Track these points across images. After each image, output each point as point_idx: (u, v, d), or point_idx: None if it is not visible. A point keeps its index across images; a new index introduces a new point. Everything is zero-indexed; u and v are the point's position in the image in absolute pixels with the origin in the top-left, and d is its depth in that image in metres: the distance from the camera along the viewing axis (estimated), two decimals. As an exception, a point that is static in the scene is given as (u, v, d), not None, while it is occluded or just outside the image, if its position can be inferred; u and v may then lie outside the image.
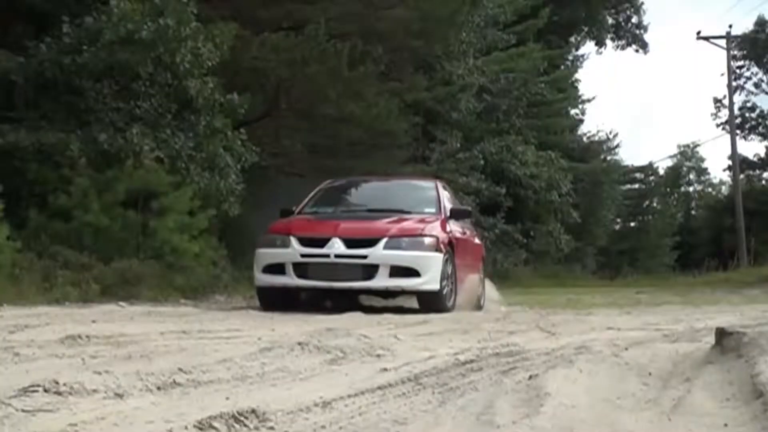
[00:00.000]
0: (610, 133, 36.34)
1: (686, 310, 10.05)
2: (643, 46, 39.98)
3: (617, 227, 37.78)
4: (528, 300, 10.40)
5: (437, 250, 8.70)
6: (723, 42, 32.07)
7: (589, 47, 44.28)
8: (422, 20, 15.13)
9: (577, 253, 28.22)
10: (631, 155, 53.32)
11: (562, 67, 32.08)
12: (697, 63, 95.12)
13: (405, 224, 9.10)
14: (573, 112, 33.42)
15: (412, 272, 8.57)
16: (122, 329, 4.96)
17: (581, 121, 34.68)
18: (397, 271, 8.54)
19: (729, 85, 32.92)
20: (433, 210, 9.76)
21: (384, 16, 14.58)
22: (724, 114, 36.93)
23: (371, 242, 8.60)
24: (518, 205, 23.84)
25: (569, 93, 30.90)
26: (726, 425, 2.82)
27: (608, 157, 35.04)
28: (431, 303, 8.65)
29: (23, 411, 2.58)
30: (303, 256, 8.63)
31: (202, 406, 2.82)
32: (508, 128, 24.28)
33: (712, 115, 42.95)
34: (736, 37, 33.41)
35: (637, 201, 38.44)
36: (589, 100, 35.02)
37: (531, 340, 5.57)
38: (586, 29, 36.61)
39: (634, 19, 39.64)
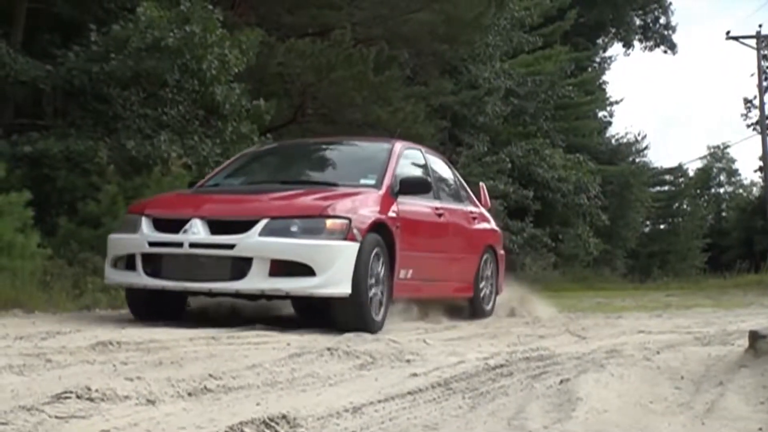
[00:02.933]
0: (639, 134, 36.29)
1: (718, 312, 9.96)
2: (672, 46, 39.78)
3: (646, 230, 37.49)
4: (557, 304, 10.26)
5: (347, 237, 6.11)
6: (753, 42, 31.78)
7: (616, 49, 44.23)
8: (448, 23, 15.12)
9: (606, 256, 28.06)
10: (660, 157, 52.87)
11: (590, 69, 31.96)
12: (727, 63, 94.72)
13: (302, 200, 6.53)
14: (601, 114, 33.30)
15: (302, 269, 6.03)
16: (152, 335, 4.98)
17: (609, 123, 34.58)
18: (280, 268, 6.05)
19: (759, 85, 32.57)
20: (371, 181, 7.09)
21: (409, 19, 14.59)
22: (755, 114, 36.60)
23: (244, 225, 6.14)
24: (546, 209, 23.74)
25: (597, 95, 30.77)
26: (760, 429, 2.79)
27: (637, 159, 34.88)
28: (343, 315, 6.18)
29: (57, 417, 2.59)
30: (152, 244, 6.33)
31: (233, 412, 2.82)
32: (535, 131, 24.20)
33: (742, 115, 42.74)
34: (766, 36, 33.12)
35: (666, 203, 38.14)
36: (617, 102, 34.95)
37: (561, 344, 5.55)
38: (613, 31, 36.45)
39: (662, 20, 39.43)
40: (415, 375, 3.81)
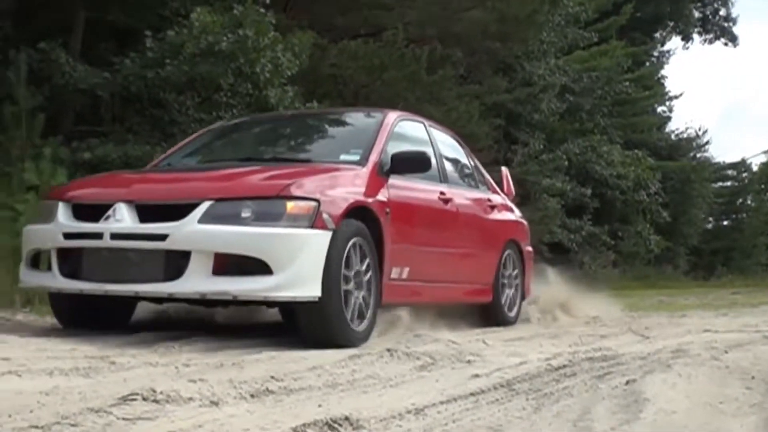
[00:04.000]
0: (700, 129, 35.71)
1: (785, 310, 9.77)
2: (733, 39, 39.12)
3: (709, 226, 36.89)
4: (618, 303, 10.11)
5: (315, 224, 4.88)
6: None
7: (675, 42, 43.62)
8: (501, 21, 15.04)
9: (667, 253, 27.70)
10: (722, 152, 52.08)
11: (647, 63, 31.62)
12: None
13: (257, 177, 5.30)
14: (660, 109, 32.92)
15: (255, 266, 4.79)
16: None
17: (668, 118, 34.14)
18: (227, 264, 4.82)
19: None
20: (354, 157, 5.88)
21: (462, 18, 14.54)
22: (819, 106, 35.91)
23: (180, 210, 4.89)
24: (605, 206, 23.52)
25: (655, 90, 30.42)
26: (836, 429, 2.71)
27: (698, 155, 34.38)
28: (310, 325, 4.98)
29: (123, 419, 2.61)
30: (68, 236, 5.12)
31: (296, 414, 2.82)
32: (592, 128, 23.98)
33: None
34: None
35: (729, 199, 37.51)
36: (676, 97, 34.57)
37: (624, 344, 5.47)
38: (671, 24, 35.98)
39: (722, 12, 38.83)
40: (476, 376, 3.77)
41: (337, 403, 3.07)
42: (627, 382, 3.53)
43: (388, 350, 4.28)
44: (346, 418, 2.67)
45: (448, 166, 7.13)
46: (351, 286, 5.14)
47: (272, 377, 3.40)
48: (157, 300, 5.46)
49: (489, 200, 7.62)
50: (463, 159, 7.72)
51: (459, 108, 14.09)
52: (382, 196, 5.69)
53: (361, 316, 5.23)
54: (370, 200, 5.52)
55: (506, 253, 7.63)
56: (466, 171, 7.66)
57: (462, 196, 7.05)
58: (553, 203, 19.78)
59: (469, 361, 4.28)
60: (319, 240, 4.90)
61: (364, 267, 5.30)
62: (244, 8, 10.14)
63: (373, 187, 5.65)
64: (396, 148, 6.11)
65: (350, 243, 5.14)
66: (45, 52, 9.62)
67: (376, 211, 5.53)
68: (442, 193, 6.62)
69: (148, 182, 5.59)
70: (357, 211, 5.31)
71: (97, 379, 3.32)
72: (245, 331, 5.94)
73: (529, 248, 8.34)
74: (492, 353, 4.70)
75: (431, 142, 6.95)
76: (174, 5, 10.70)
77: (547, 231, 18.82)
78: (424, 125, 7.13)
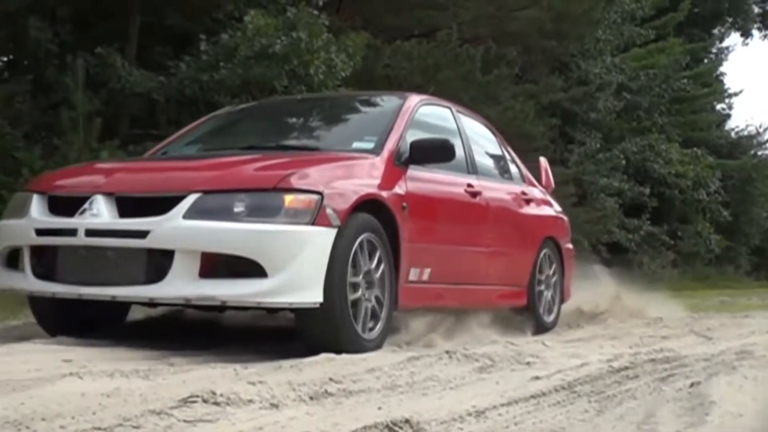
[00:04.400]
0: (761, 127, 35.02)
1: None
2: (794, 35, 38.35)
3: (772, 225, 36.21)
4: (679, 304, 9.96)
5: (316, 220, 4.40)
6: None
7: (734, 39, 42.93)
8: (556, 20, 14.92)
9: (728, 253, 27.21)
10: (784, 150, 50.88)
11: (706, 60, 31.12)
12: None
13: (252, 166, 4.81)
14: (719, 107, 32.35)
15: (248, 268, 4.30)
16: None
17: (728, 116, 33.51)
18: (216, 265, 4.33)
19: None
20: (368, 145, 5.35)
21: (517, 17, 14.45)
22: None
23: (164, 203, 4.39)
24: (664, 206, 23.20)
25: (714, 87, 29.91)
26: None
27: (759, 153, 33.71)
28: (313, 331, 4.54)
29: (184, 421, 2.62)
30: (41, 233, 4.61)
31: (356, 416, 2.80)
32: (650, 126, 23.68)
33: None
34: None
35: (793, 197, 36.75)
36: (735, 94, 33.85)
37: (686, 346, 5.39)
38: (730, 20, 35.36)
39: (784, 6, 38.08)
40: (537, 378, 3.73)
41: (397, 405, 3.05)
42: (691, 385, 3.47)
43: (447, 352, 4.25)
44: (407, 421, 2.64)
45: (478, 155, 6.49)
46: (360, 289, 4.66)
47: (331, 379, 3.39)
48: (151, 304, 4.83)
49: (524, 193, 7.02)
50: (496, 148, 7.11)
51: (514, 107, 14.00)
52: (398, 188, 5.15)
53: (370, 321, 4.74)
54: (383, 193, 4.97)
55: (543, 251, 7.03)
56: (499, 161, 7.06)
57: (493, 188, 6.44)
58: (610, 203, 19.58)
59: (528, 363, 4.24)
60: (322, 238, 4.42)
61: (373, 267, 4.79)
62: (298, 10, 10.18)
63: (388, 179, 5.11)
64: (417, 135, 5.59)
65: (358, 241, 4.63)
66: (102, 57, 9.75)
67: (391, 205, 4.98)
68: (469, 185, 6.03)
69: (131, 172, 5.01)
70: (368, 206, 4.79)
71: (157, 381, 3.33)
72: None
73: (570, 246, 7.76)
74: (552, 355, 4.65)
75: (458, 130, 6.36)
76: (228, 8, 10.78)
77: (604, 231, 18.63)
78: (451, 110, 6.50)
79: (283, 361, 4.04)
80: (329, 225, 4.45)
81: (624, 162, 21.46)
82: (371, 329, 4.74)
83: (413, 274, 5.24)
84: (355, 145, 5.42)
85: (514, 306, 6.65)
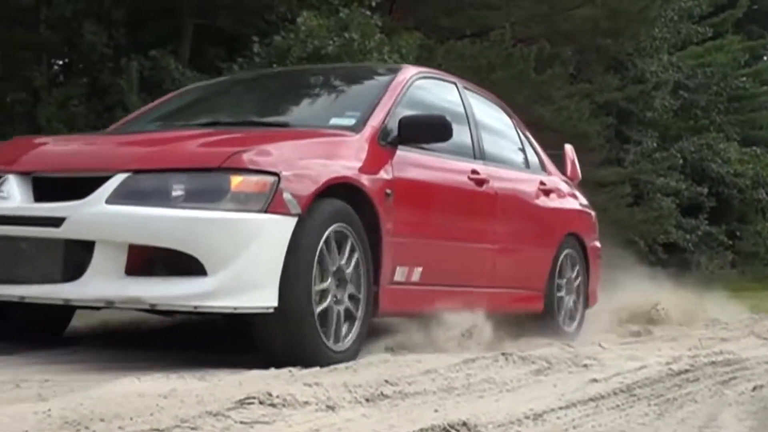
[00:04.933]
0: (821, 124, 34.40)
1: None
2: None
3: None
4: (738, 305, 9.78)
5: (270, 207, 3.72)
6: None
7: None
8: (611, 18, 14.78)
9: (790, 254, 26.76)
10: None
11: (765, 58, 30.62)
12: None
13: (195, 143, 4.10)
14: (779, 104, 31.85)
15: (184, 264, 3.63)
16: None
17: (789, 114, 33.01)
18: (146, 261, 3.67)
19: None
20: (347, 121, 4.62)
21: (571, 16, 14.34)
22: None
23: (85, 185, 3.70)
24: (722, 205, 22.86)
25: (774, 85, 29.45)
26: None
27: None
28: (269, 340, 3.87)
29: (241, 423, 2.62)
30: None
31: (412, 419, 2.78)
32: (707, 125, 23.35)
33: None
34: None
35: None
36: (796, 92, 33.30)
37: (747, 348, 5.31)
38: (790, 16, 34.81)
39: None
40: (595, 381, 3.69)
41: (454, 407, 3.03)
42: (754, 388, 3.42)
43: (503, 354, 4.22)
44: (464, 424, 2.62)
45: (488, 139, 5.75)
46: (329, 291, 3.98)
47: (386, 381, 3.37)
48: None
49: (543, 184, 6.27)
50: (511, 132, 6.38)
51: (569, 107, 13.89)
52: (383, 172, 4.43)
53: (342, 328, 4.08)
54: (362, 177, 4.25)
55: (565, 250, 6.30)
56: (514, 147, 6.32)
57: (504, 177, 5.70)
58: (667, 203, 19.33)
59: (586, 366, 4.19)
60: (277, 229, 3.71)
61: (347, 264, 4.11)
62: (350, 11, 10.19)
63: (369, 161, 4.38)
64: (409, 110, 4.88)
65: (327, 233, 3.94)
66: (155, 59, 9.85)
67: (371, 191, 4.26)
68: (474, 171, 5.29)
69: (56, 148, 4.25)
70: (341, 191, 4.10)
71: (212, 382, 3.33)
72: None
73: (597, 244, 6.99)
74: (609, 357, 4.61)
75: (465, 109, 5.62)
76: (280, 10, 10.83)
77: (661, 231, 18.41)
78: (457, 86, 5.74)
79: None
80: (287, 213, 3.75)
81: (681, 161, 21.19)
82: (343, 338, 4.06)
83: (400, 274, 4.56)
84: (333, 121, 4.69)
85: (528, 311, 5.95)
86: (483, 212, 5.42)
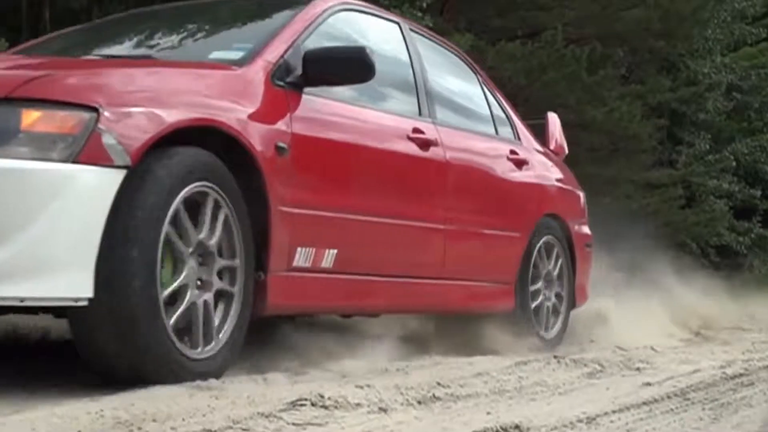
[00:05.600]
0: None
1: None
2: None
3: None
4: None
5: (82, 155, 2.72)
6: None
7: None
8: (663, 19, 14.66)
9: None
10: None
11: (819, 59, 30.19)
12: None
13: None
14: (833, 107, 31.38)
15: None
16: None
17: (843, 116, 32.52)
18: None
19: None
20: (235, 55, 3.68)
21: (623, 17, 14.23)
22: None
23: None
24: (775, 208, 22.59)
25: (830, 86, 29.00)
26: None
27: None
28: (94, 341, 2.89)
29: (294, 425, 2.62)
30: None
31: (465, 421, 2.78)
32: (761, 127, 23.02)
33: None
34: None
35: None
36: None
37: (804, 352, 5.24)
38: None
39: None
40: (648, 384, 3.67)
41: (506, 410, 3.02)
42: (811, 393, 3.37)
43: (555, 357, 4.21)
44: (517, 426, 2.62)
45: (441, 95, 4.84)
46: (184, 276, 3.02)
47: (438, 383, 3.36)
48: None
49: (514, 153, 5.28)
50: (474, 90, 5.40)
51: (621, 108, 13.78)
52: (278, 120, 3.48)
53: (209, 329, 3.14)
54: (238, 122, 3.26)
55: (543, 235, 5.36)
56: (478, 107, 5.37)
57: (460, 141, 4.76)
58: (720, 205, 19.10)
59: (638, 369, 4.18)
60: (93, 186, 2.74)
61: (212, 241, 3.15)
62: (401, 12, 10.20)
63: (257, 103, 3.42)
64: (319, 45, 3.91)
65: (177, 198, 2.96)
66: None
67: (251, 142, 3.27)
68: (417, 131, 4.34)
69: None
70: (204, 139, 3.11)
71: (264, 383, 3.36)
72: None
73: (585, 231, 5.98)
74: (662, 360, 4.58)
75: (410, 55, 4.66)
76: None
77: (714, 233, 18.19)
78: (401, 27, 4.75)
79: (389, 364, 4.05)
80: (109, 164, 2.77)
81: (734, 163, 20.93)
82: (204, 343, 3.12)
83: (302, 258, 3.60)
84: (216, 54, 3.72)
85: (494, 311, 5.02)
86: (429, 183, 4.45)
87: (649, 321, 6.97)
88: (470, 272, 4.82)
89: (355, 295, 4.05)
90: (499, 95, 5.73)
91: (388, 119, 4.30)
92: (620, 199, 14.03)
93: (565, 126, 13.42)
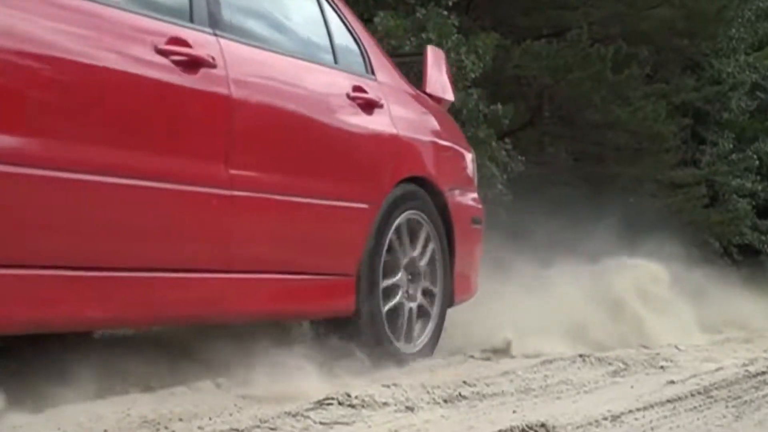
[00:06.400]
0: None
1: None
2: None
3: None
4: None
5: None
6: None
7: None
8: (688, 18, 14.62)
9: None
10: None
11: (844, 57, 29.93)
12: None
13: None
14: None
15: None
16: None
17: None
18: None
19: None
20: None
21: (648, 16, 14.19)
22: None
23: None
24: (800, 208, 22.45)
25: None
26: None
27: None
28: None
29: (321, 423, 2.66)
30: None
31: (491, 420, 2.81)
32: (785, 126, 22.94)
33: None
34: None
35: None
36: None
37: (827, 350, 5.24)
38: None
39: None
40: (672, 382, 3.69)
41: (531, 409, 3.06)
42: (834, 392, 3.38)
43: (581, 356, 4.23)
44: (542, 425, 2.65)
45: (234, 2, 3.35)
46: None
47: (464, 382, 3.40)
48: None
49: (360, 91, 3.89)
50: (307, 3, 4.00)
51: (645, 108, 13.76)
52: None
53: None
54: None
55: (402, 208, 3.97)
56: (305, 24, 3.92)
57: (261, 65, 3.40)
58: (743, 204, 19.02)
59: (662, 367, 4.19)
60: None
61: None
62: (427, 11, 10.20)
63: None
64: None
65: None
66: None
67: None
68: (178, 41, 3.01)
69: None
70: None
71: (289, 382, 3.38)
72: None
73: (470, 202, 4.68)
74: (685, 359, 4.60)
75: None
76: (357, 10, 10.88)
77: (736, 232, 18.13)
78: None
79: (415, 363, 4.08)
80: None
81: (757, 162, 20.82)
82: None
83: None
84: None
85: (321, 315, 3.80)
86: (195, 125, 3.09)
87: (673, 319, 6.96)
88: (277, 260, 3.40)
89: (48, 304, 2.61)
90: (350, 18, 4.22)
91: (123, 18, 2.86)
92: (644, 198, 13.99)
93: (590, 125, 13.44)
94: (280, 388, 3.09)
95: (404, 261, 4.07)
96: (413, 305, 4.13)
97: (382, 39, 9.93)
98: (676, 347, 5.23)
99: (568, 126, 13.57)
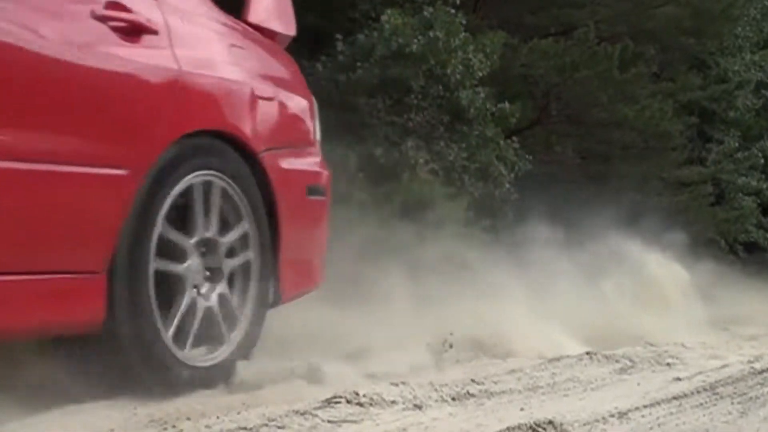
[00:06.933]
0: None
1: None
2: None
3: None
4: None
5: None
6: None
7: None
8: (694, 17, 14.62)
9: None
10: None
11: None
12: None
13: None
14: None
15: None
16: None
17: None
18: None
19: None
20: None
21: (654, 14, 14.20)
22: None
23: None
24: (805, 207, 22.41)
25: None
26: None
27: None
28: None
29: (329, 422, 2.67)
30: None
31: (499, 417, 2.83)
32: (790, 125, 22.89)
33: None
34: None
35: None
36: None
37: (832, 347, 5.25)
38: None
39: None
40: (678, 379, 3.72)
41: (539, 406, 3.07)
42: (837, 387, 3.40)
43: (588, 353, 4.25)
44: (550, 422, 2.66)
45: None
46: None
47: (472, 380, 3.41)
48: None
49: (120, 8, 2.87)
50: None
51: (652, 106, 13.76)
52: None
53: None
54: None
55: (186, 172, 3.01)
56: None
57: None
58: (748, 202, 19.02)
59: (669, 364, 4.21)
60: None
61: None
62: (434, 9, 10.21)
63: None
64: None
65: None
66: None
67: None
68: None
69: None
70: None
71: (297, 380, 3.38)
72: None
73: (308, 165, 3.81)
74: (691, 356, 4.62)
75: None
76: (364, 8, 10.88)
77: (742, 230, 18.17)
78: None
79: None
80: None
81: (762, 161, 20.80)
82: None
83: None
84: None
85: (53, 331, 2.78)
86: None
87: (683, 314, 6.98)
88: None
89: None
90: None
91: None
92: (651, 196, 13.99)
93: (597, 124, 13.43)
94: None
95: (190, 245, 3.05)
96: (211, 304, 3.14)
97: (389, 37, 9.97)
98: (683, 344, 5.25)
99: (575, 124, 13.58)
